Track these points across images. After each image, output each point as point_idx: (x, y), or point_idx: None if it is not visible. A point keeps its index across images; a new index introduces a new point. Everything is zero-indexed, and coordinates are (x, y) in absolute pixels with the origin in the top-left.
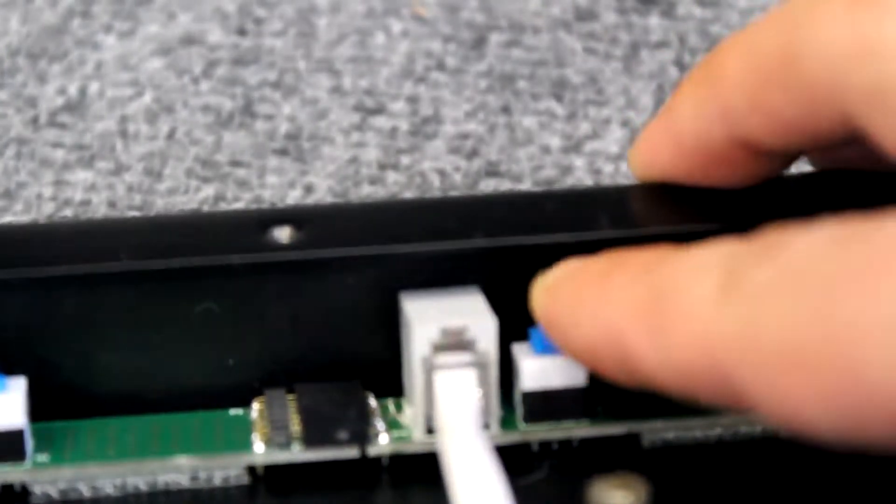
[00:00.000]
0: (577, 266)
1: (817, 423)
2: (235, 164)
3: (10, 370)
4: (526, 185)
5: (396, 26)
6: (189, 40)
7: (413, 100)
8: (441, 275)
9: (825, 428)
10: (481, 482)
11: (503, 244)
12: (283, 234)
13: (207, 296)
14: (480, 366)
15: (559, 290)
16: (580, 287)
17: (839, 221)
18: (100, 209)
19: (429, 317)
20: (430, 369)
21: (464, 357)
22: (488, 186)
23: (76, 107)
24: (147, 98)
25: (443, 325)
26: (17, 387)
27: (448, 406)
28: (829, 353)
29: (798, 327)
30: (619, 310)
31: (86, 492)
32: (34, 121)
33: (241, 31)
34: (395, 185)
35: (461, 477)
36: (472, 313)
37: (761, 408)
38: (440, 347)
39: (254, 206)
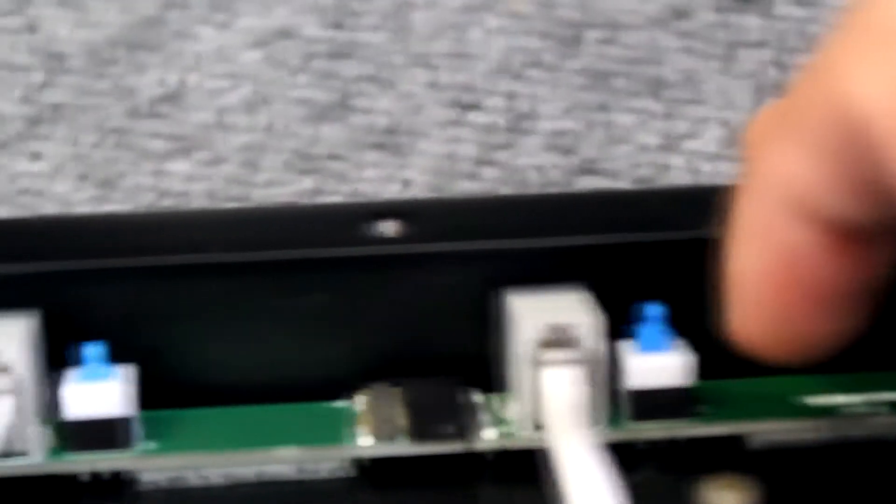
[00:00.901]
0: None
1: None
2: (332, 157)
3: (120, 359)
4: (623, 184)
5: (492, 22)
6: (286, 33)
7: (509, 96)
8: (546, 271)
9: None
10: (594, 480)
11: (610, 241)
12: (389, 227)
13: (313, 288)
14: (586, 363)
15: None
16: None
17: None
18: (198, 200)
19: (535, 313)
20: (536, 366)
21: (570, 354)
22: (585, 184)
23: (174, 98)
24: (244, 90)
25: (549, 322)
26: (126, 375)
27: (555, 403)
28: None
29: None
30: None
31: (193, 480)
32: (133, 111)
33: (338, 25)
34: (492, 181)
35: (573, 475)
36: (578, 310)
37: None
38: (546, 344)
39: (351, 200)
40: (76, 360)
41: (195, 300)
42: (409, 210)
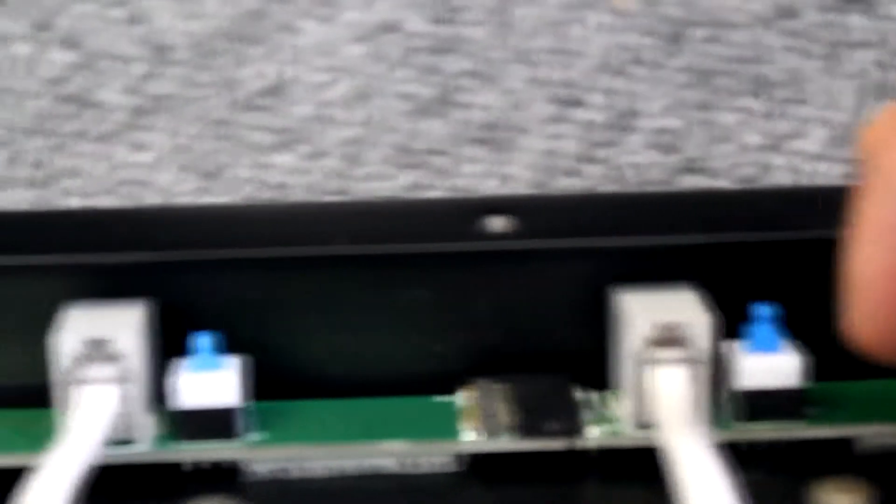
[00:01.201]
0: None
1: None
2: (432, 152)
3: (229, 349)
4: (724, 183)
5: (593, 19)
6: (388, 28)
7: (610, 93)
8: (655, 270)
9: None
10: (710, 480)
11: (721, 240)
12: (497, 223)
13: (420, 282)
14: (694, 362)
15: None
16: None
17: None
18: (298, 193)
19: (644, 312)
20: (643, 364)
21: (678, 353)
22: (686, 182)
23: (276, 91)
24: (345, 84)
25: (658, 321)
26: (234, 366)
27: (666, 402)
28: None
29: None
30: None
31: (296, 472)
32: (235, 104)
33: (439, 20)
34: (592, 178)
35: (689, 474)
36: (687, 309)
37: None
38: (656, 343)
39: (460, 195)
40: (189, 350)
41: (304, 292)
42: (517, 206)
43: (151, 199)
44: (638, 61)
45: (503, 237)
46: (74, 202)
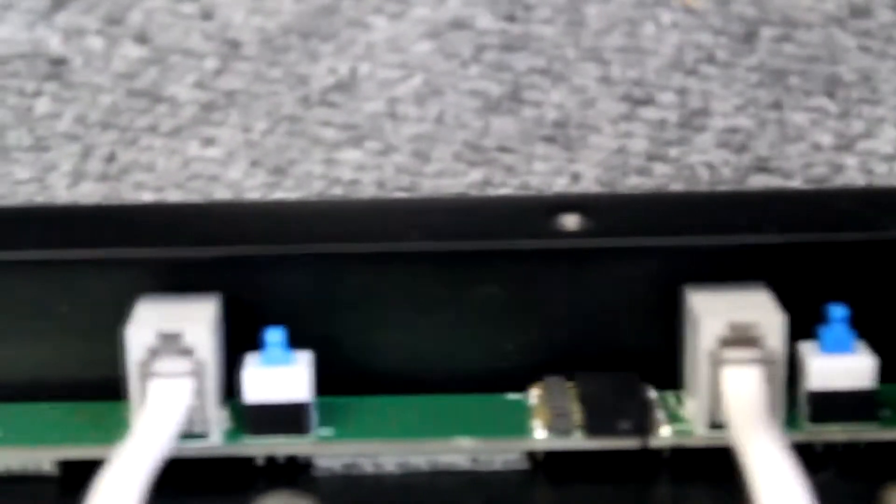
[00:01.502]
0: None
1: None
2: (503, 149)
3: (298, 344)
4: (796, 183)
5: (666, 17)
6: (458, 24)
7: (682, 92)
8: (727, 269)
9: None
10: (785, 480)
11: (796, 240)
12: (570, 220)
13: (492, 279)
14: (767, 363)
15: None
16: None
17: None
18: (368, 189)
19: (716, 311)
20: (716, 364)
21: (751, 353)
22: (757, 182)
23: (346, 87)
24: (416, 80)
25: (731, 320)
26: (304, 360)
27: (738, 402)
28: None
29: None
30: None
31: (368, 468)
32: (305, 99)
33: (511, 18)
34: (663, 177)
35: (763, 475)
36: (760, 309)
37: None
38: (727, 342)
39: (533, 193)
40: (258, 345)
41: (372, 288)
42: (590, 204)
43: (221, 194)
44: (710, 60)
45: (576, 235)
46: (146, 196)
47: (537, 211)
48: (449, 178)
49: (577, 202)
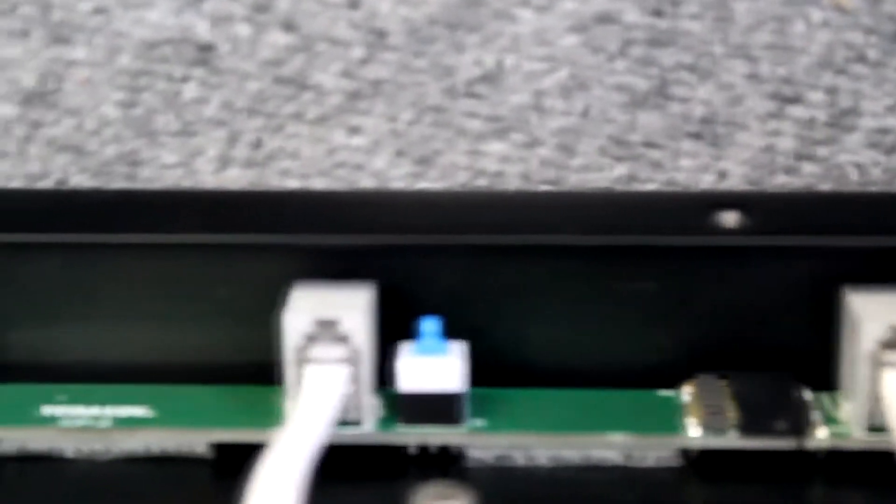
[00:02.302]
0: None
1: None
2: (649, 144)
3: (452, 335)
4: None
5: (816, 15)
6: (605, 19)
7: (832, 91)
8: (886, 271)
9: None
10: None
11: None
12: (729, 218)
13: (647, 275)
14: None
15: None
16: None
17: None
18: (513, 181)
19: (877, 313)
20: (877, 366)
21: None
22: None
23: (492, 78)
24: (562, 74)
25: (892, 323)
26: (459, 351)
27: None
28: None
29: None
30: None
31: (520, 460)
32: (451, 90)
33: (658, 13)
34: (811, 177)
35: None
36: None
37: None
38: (888, 345)
39: (690, 189)
40: (412, 334)
41: (527, 281)
42: (745, 202)
43: (366, 182)
44: (861, 59)
45: (732, 232)
46: (291, 183)
47: (693, 207)
48: (594, 172)
49: (734, 199)
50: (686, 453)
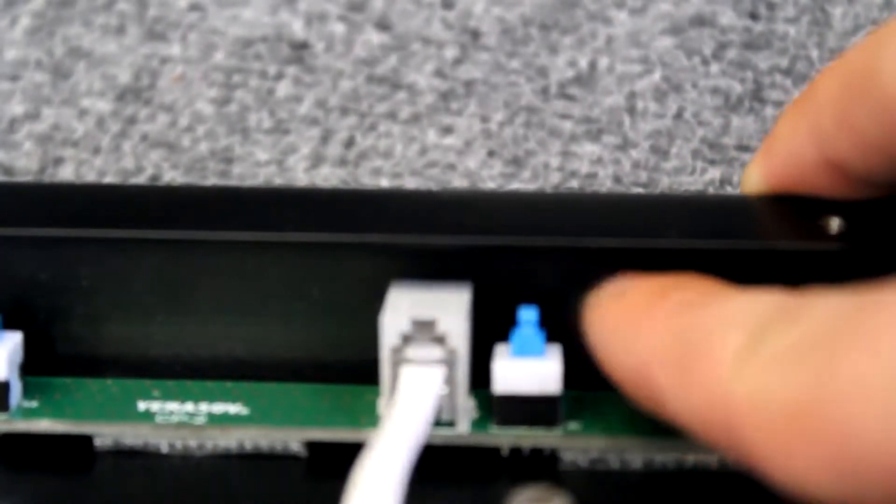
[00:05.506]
0: (627, 287)
1: (820, 489)
2: (742, 148)
3: (549, 337)
4: None
5: None
6: (700, 21)
7: None
8: None
9: (828, 494)
10: None
11: None
12: (833, 224)
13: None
14: None
15: (604, 312)
16: (621, 314)
17: (865, 287)
18: (605, 183)
19: None
20: None
21: None
22: None
23: (586, 80)
24: (656, 76)
25: None
26: (556, 353)
27: None
28: (826, 414)
29: (801, 392)
30: (650, 347)
31: (614, 464)
32: (544, 91)
33: (754, 16)
34: None
35: None
36: None
37: (767, 471)
38: None
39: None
40: (510, 335)
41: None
42: (850, 208)
43: (458, 182)
44: None
45: (839, 239)
46: (383, 182)
47: (808, 212)
48: (687, 175)
49: (834, 206)
50: None
